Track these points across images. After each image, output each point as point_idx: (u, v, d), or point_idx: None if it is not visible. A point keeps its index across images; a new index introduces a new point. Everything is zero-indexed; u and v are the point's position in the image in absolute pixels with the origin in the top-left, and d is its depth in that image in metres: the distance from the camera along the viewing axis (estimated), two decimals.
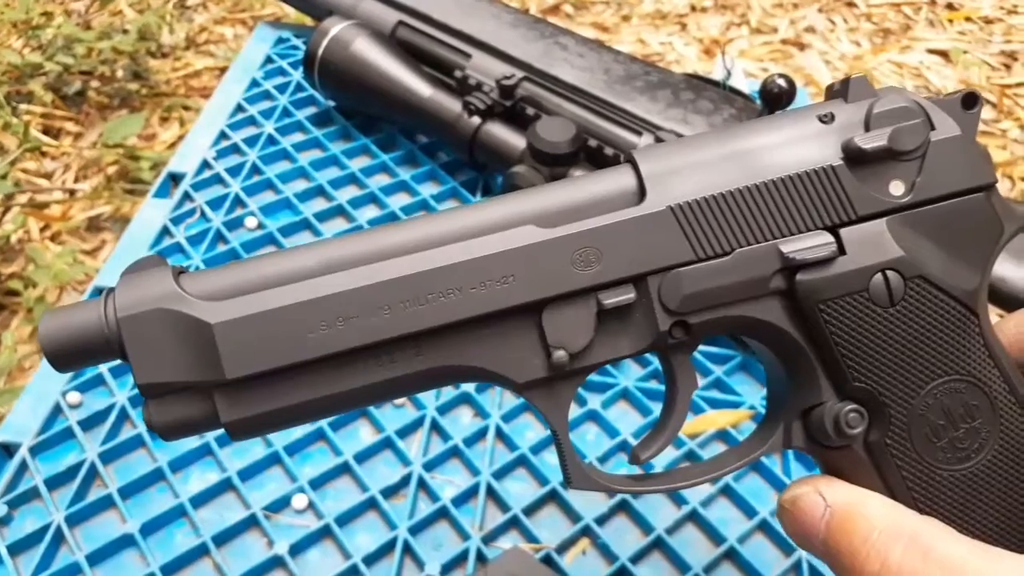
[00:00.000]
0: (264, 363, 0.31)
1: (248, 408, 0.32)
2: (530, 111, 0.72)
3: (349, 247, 0.33)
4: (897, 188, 0.33)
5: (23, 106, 1.77)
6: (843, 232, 0.33)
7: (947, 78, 1.85)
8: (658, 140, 0.66)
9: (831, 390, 0.33)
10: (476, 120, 0.71)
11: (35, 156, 1.67)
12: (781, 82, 0.63)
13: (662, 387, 0.58)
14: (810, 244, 0.32)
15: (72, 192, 1.60)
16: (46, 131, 1.75)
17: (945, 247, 0.33)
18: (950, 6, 2.06)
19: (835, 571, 0.32)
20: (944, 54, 1.92)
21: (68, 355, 0.31)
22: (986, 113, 1.76)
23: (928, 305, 0.33)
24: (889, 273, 0.32)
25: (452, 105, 0.72)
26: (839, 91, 0.35)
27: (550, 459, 0.56)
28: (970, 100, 0.34)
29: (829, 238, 0.32)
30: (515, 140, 0.70)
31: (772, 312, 0.33)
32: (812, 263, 0.32)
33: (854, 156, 0.33)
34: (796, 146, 0.33)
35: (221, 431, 0.33)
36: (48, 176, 1.65)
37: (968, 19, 2.01)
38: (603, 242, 0.32)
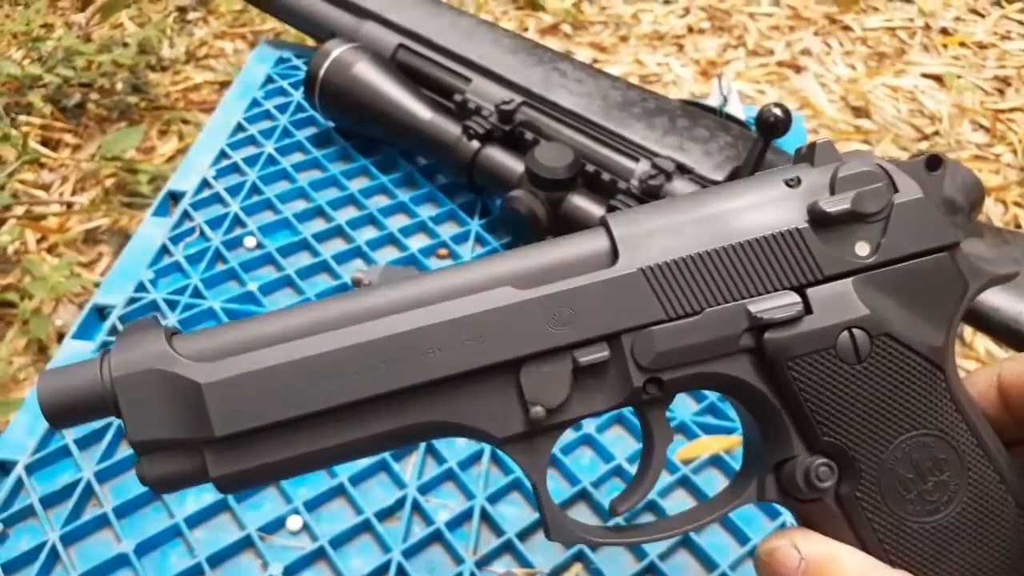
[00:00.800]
0: (251, 421, 0.32)
1: (236, 464, 0.33)
2: (529, 136, 0.72)
3: (334, 309, 0.34)
4: (862, 249, 0.34)
5: (22, 117, 1.78)
6: (810, 292, 0.34)
7: (941, 102, 1.86)
8: (655, 167, 0.67)
9: (802, 444, 0.34)
10: (475, 144, 0.72)
11: (33, 168, 1.67)
12: (777, 111, 0.64)
13: None
14: (777, 304, 0.33)
15: (70, 204, 1.61)
16: (45, 143, 1.76)
17: (911, 305, 0.34)
18: (944, 31, 2.08)
19: None
20: (938, 78, 1.93)
21: (65, 413, 0.33)
22: (979, 137, 1.78)
23: (894, 362, 0.33)
24: (855, 331, 0.33)
25: (452, 129, 0.73)
26: (805, 155, 0.36)
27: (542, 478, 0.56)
28: (934, 162, 0.35)
29: (796, 298, 0.33)
30: (513, 164, 0.70)
31: (742, 369, 0.34)
32: (779, 322, 0.33)
33: (819, 219, 0.34)
34: (763, 210, 0.34)
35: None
36: (46, 188, 1.66)
37: (962, 44, 2.03)
38: (577, 302, 0.33)
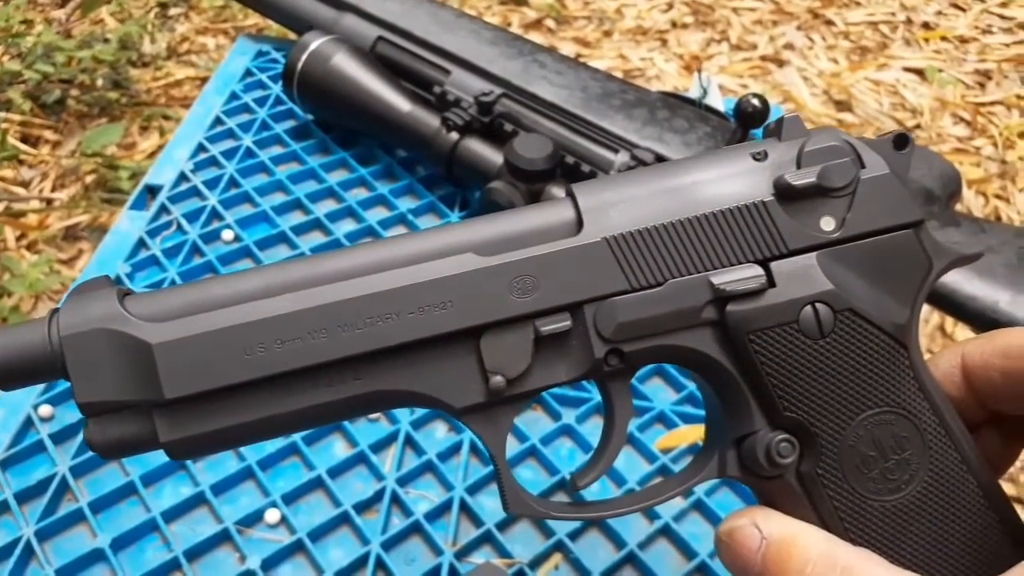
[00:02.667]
0: (202, 383, 0.31)
1: (187, 428, 0.32)
2: (508, 127, 0.72)
3: (291, 272, 0.33)
4: (828, 224, 0.34)
5: (1, 114, 1.76)
6: (773, 265, 0.33)
7: (923, 96, 1.87)
8: (634, 158, 0.67)
9: (763, 419, 0.34)
10: (454, 136, 0.71)
11: (12, 164, 1.66)
12: (755, 102, 0.64)
13: (642, 402, 0.59)
14: (740, 276, 0.33)
15: (49, 201, 1.59)
16: (24, 139, 1.74)
17: (875, 282, 0.34)
18: (926, 25, 2.09)
19: None
20: (920, 72, 1.94)
21: (12, 373, 0.32)
22: (960, 131, 1.79)
23: (857, 338, 0.33)
24: (819, 306, 0.33)
25: (431, 121, 0.73)
26: (773, 130, 0.36)
27: (524, 474, 0.56)
28: (901, 141, 0.35)
29: (759, 271, 0.33)
30: (493, 156, 0.70)
31: (704, 342, 0.34)
32: (742, 294, 0.33)
33: (784, 192, 0.34)
34: (729, 182, 0.34)
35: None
36: (26, 185, 1.64)
37: (944, 38, 2.04)
38: (540, 271, 0.33)
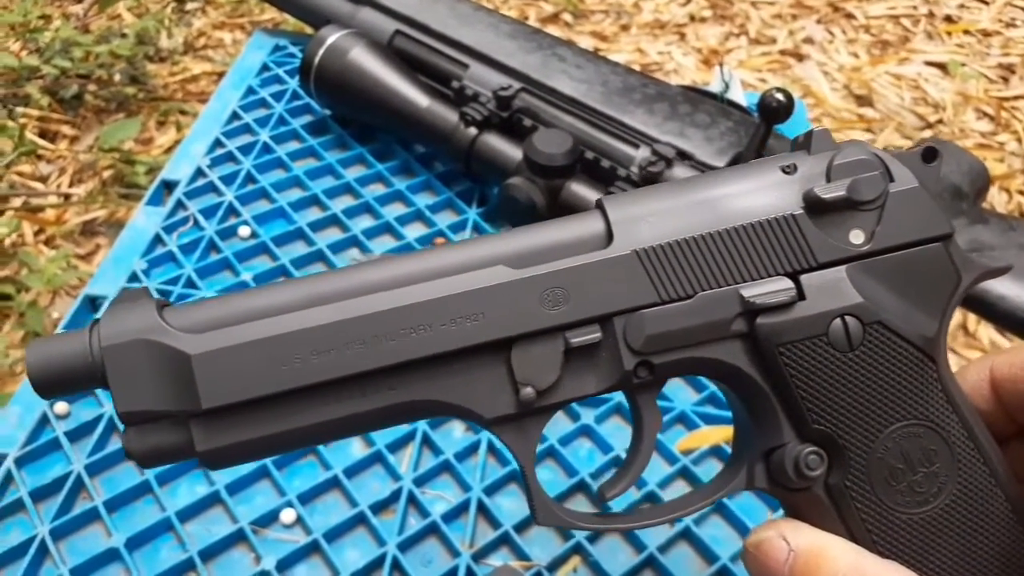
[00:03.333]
0: (239, 394, 0.32)
1: (222, 438, 0.32)
2: (527, 122, 0.71)
3: (326, 284, 0.33)
4: (857, 237, 0.34)
5: (19, 109, 1.77)
6: (803, 278, 0.34)
7: (945, 90, 1.85)
8: (655, 153, 0.66)
9: (792, 432, 0.34)
10: (473, 131, 0.71)
11: (31, 160, 1.66)
12: (780, 96, 0.63)
13: (663, 403, 0.58)
14: (770, 289, 0.33)
15: (67, 196, 1.59)
16: (42, 134, 1.75)
17: (904, 295, 0.34)
18: (948, 19, 2.06)
19: None
20: (942, 66, 1.92)
21: (53, 383, 0.32)
22: (984, 126, 1.77)
23: (886, 351, 0.33)
24: (848, 319, 0.33)
25: (449, 116, 0.72)
26: (803, 143, 0.36)
27: (543, 475, 0.55)
28: (930, 154, 0.35)
29: (789, 283, 0.33)
30: (512, 151, 0.69)
31: (734, 354, 0.34)
32: (772, 307, 0.33)
33: (814, 205, 0.34)
34: (759, 195, 0.34)
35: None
36: (43, 180, 1.65)
37: (966, 32, 2.01)
38: (571, 283, 0.33)
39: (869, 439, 0.33)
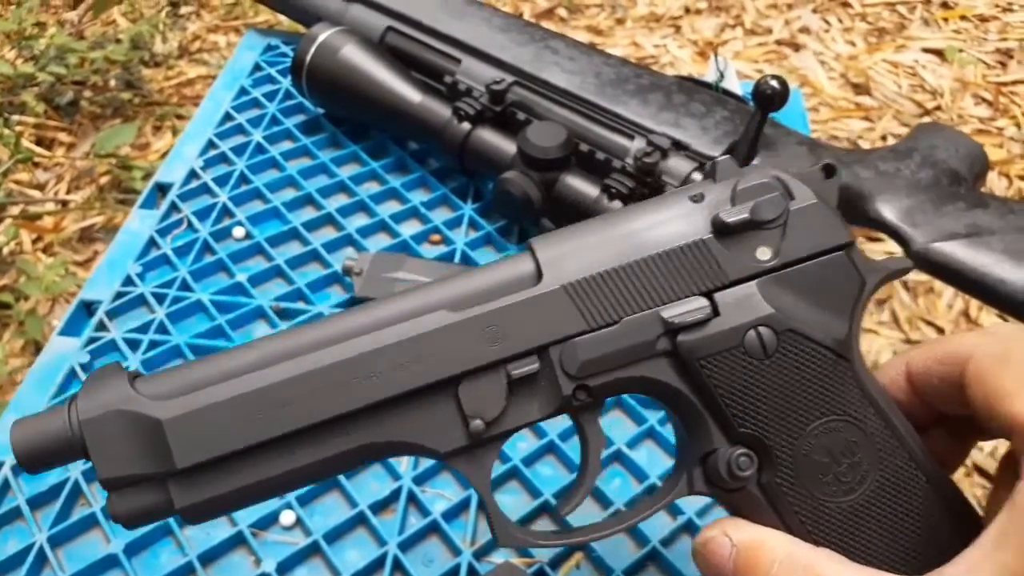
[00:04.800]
0: (209, 451, 0.34)
1: (199, 493, 0.35)
2: (521, 116, 0.71)
3: (283, 343, 0.36)
4: (764, 254, 0.36)
5: (15, 117, 1.76)
6: (717, 296, 0.36)
7: (943, 77, 1.84)
8: (651, 144, 0.65)
9: (722, 437, 0.36)
10: (466, 126, 0.70)
11: (27, 167, 1.66)
12: (774, 83, 0.62)
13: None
14: (687, 309, 0.36)
15: (64, 203, 1.59)
16: (39, 141, 1.75)
17: (813, 301, 0.36)
18: (945, 4, 2.05)
19: None
20: (940, 53, 1.91)
21: (38, 458, 0.34)
22: (982, 112, 1.76)
23: (800, 355, 0.36)
24: (761, 329, 0.35)
25: (442, 111, 0.71)
26: (708, 172, 0.39)
27: (543, 471, 0.55)
28: (828, 170, 0.38)
29: (704, 302, 0.36)
30: (506, 146, 0.69)
31: (661, 371, 0.36)
32: (690, 325, 0.36)
33: (721, 229, 0.36)
34: (671, 224, 0.37)
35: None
36: (41, 187, 1.65)
37: (963, 17, 2.01)
38: (507, 320, 0.35)
39: (793, 437, 0.36)
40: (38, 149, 1.71)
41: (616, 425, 0.58)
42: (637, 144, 0.66)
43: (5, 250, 1.46)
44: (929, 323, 1.37)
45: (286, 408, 0.35)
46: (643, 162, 0.64)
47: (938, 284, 1.42)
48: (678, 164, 0.65)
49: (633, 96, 0.69)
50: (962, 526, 0.36)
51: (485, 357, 0.35)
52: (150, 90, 1.89)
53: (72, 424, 0.34)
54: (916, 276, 1.44)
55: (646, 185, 0.65)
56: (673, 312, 0.36)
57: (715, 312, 0.36)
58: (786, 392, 0.36)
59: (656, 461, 0.55)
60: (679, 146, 0.66)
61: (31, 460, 0.34)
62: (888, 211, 0.64)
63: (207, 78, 1.91)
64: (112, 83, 1.88)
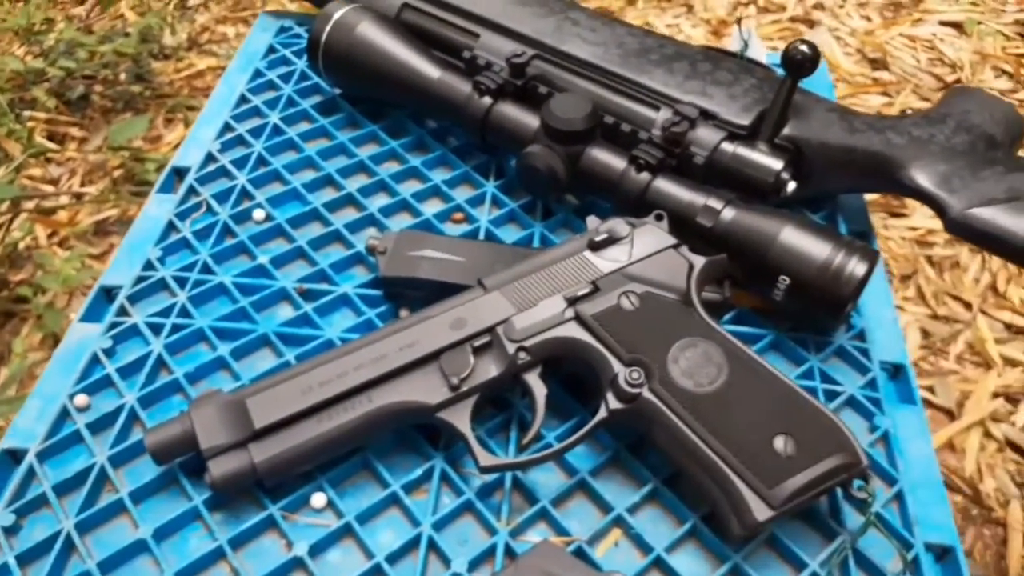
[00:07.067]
0: (277, 415, 0.50)
1: (271, 449, 0.49)
2: (543, 90, 0.69)
3: (325, 355, 0.53)
4: (623, 254, 0.56)
5: (27, 113, 1.76)
6: (598, 281, 0.55)
7: (961, 50, 1.81)
8: (677, 113, 0.63)
9: (618, 364, 0.51)
10: (487, 101, 0.68)
11: (40, 163, 1.65)
12: (804, 48, 0.60)
13: None
14: (580, 289, 0.54)
15: (79, 197, 1.59)
16: (51, 137, 1.74)
17: (660, 276, 0.55)
18: None
19: None
20: (958, 25, 1.88)
21: (164, 452, 0.50)
22: (1003, 84, 1.73)
23: (658, 305, 0.53)
24: (629, 293, 0.54)
25: (462, 87, 0.70)
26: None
27: (578, 447, 0.53)
28: (659, 217, 0.58)
29: (590, 285, 0.54)
30: (528, 120, 0.67)
31: (571, 330, 0.53)
32: (582, 297, 0.54)
33: (592, 246, 0.56)
34: (563, 249, 0.57)
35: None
36: (54, 182, 1.64)
37: None
38: (467, 313, 0.54)
39: (663, 354, 0.51)
40: (50, 144, 1.70)
41: None
42: (663, 115, 0.65)
43: (21, 245, 1.45)
44: (956, 298, 1.34)
45: (326, 384, 0.51)
46: (671, 132, 0.62)
47: (964, 258, 1.39)
48: (707, 134, 0.64)
49: (658, 66, 0.68)
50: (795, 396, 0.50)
51: (456, 337, 0.52)
52: (160, 83, 1.88)
53: (185, 419, 0.50)
54: (942, 251, 1.41)
55: (674, 156, 0.63)
56: (571, 291, 0.54)
57: (597, 289, 0.54)
58: (653, 327, 0.52)
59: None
60: (707, 115, 0.65)
61: (160, 454, 0.50)
62: (923, 178, 0.62)
63: (217, 69, 1.90)
64: (122, 77, 1.87)
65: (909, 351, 0.61)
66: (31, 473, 0.52)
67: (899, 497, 0.52)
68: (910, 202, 1.47)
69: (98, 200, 1.56)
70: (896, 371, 0.60)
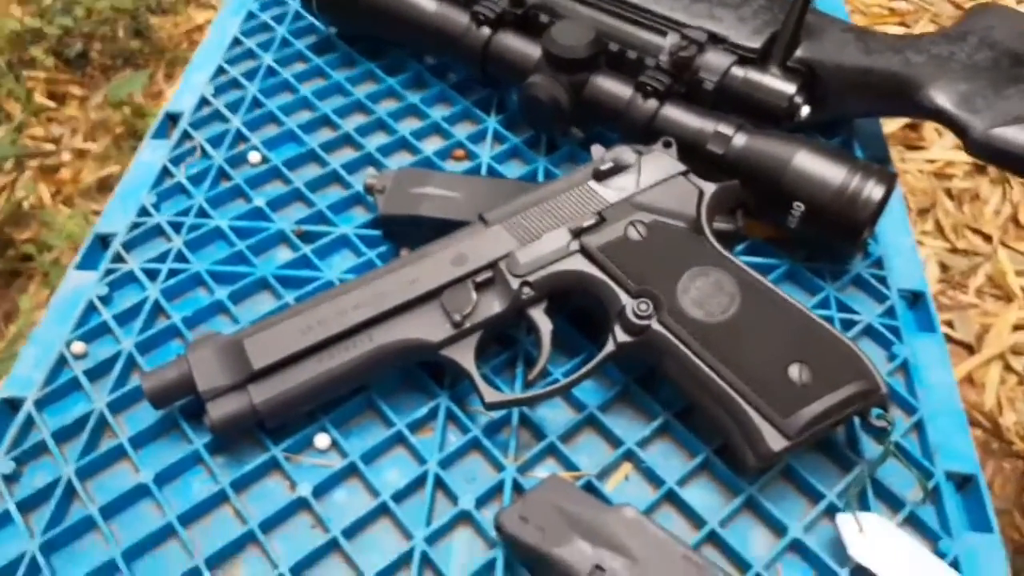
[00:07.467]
0: (275, 356, 0.48)
1: (270, 389, 0.48)
2: (543, 18, 0.66)
3: (324, 294, 0.51)
4: (630, 183, 0.53)
5: (26, 72, 1.73)
6: (604, 211, 0.52)
7: None
8: (685, 38, 0.61)
9: (626, 296, 0.50)
10: (486, 31, 0.66)
11: (42, 122, 1.63)
12: None
13: None
14: (585, 220, 0.52)
15: (81, 154, 1.57)
16: (51, 96, 1.72)
17: (672, 203, 0.53)
18: None
19: None
20: None
21: (162, 396, 0.49)
22: None
23: (667, 233, 0.51)
24: (636, 223, 0.51)
25: (459, 18, 0.67)
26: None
27: (586, 382, 0.51)
28: (668, 144, 0.55)
29: (596, 216, 0.52)
30: (529, 49, 0.64)
31: (577, 263, 0.51)
32: (588, 228, 0.52)
33: (597, 175, 0.54)
34: (566, 180, 0.54)
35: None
36: (56, 141, 1.62)
37: None
38: (468, 249, 0.51)
39: (672, 284, 0.49)
40: (51, 103, 1.68)
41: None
42: (671, 39, 0.62)
43: (25, 204, 1.44)
44: (975, 230, 1.31)
45: (326, 324, 0.49)
46: (679, 57, 0.60)
47: (984, 190, 1.36)
48: (716, 58, 0.61)
49: None
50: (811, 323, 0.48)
51: (457, 273, 0.51)
52: (159, 38, 1.84)
53: (181, 362, 0.49)
54: (961, 183, 1.38)
55: (682, 82, 0.61)
56: (576, 224, 0.52)
57: (603, 220, 0.52)
58: (661, 257, 0.50)
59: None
60: (716, 39, 0.62)
61: (158, 398, 0.49)
62: (942, 98, 0.59)
63: None
64: (120, 33, 1.84)
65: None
66: (29, 421, 0.51)
67: (919, 426, 0.51)
68: (928, 134, 1.43)
69: (101, 157, 1.54)
70: (915, 299, 0.58)
